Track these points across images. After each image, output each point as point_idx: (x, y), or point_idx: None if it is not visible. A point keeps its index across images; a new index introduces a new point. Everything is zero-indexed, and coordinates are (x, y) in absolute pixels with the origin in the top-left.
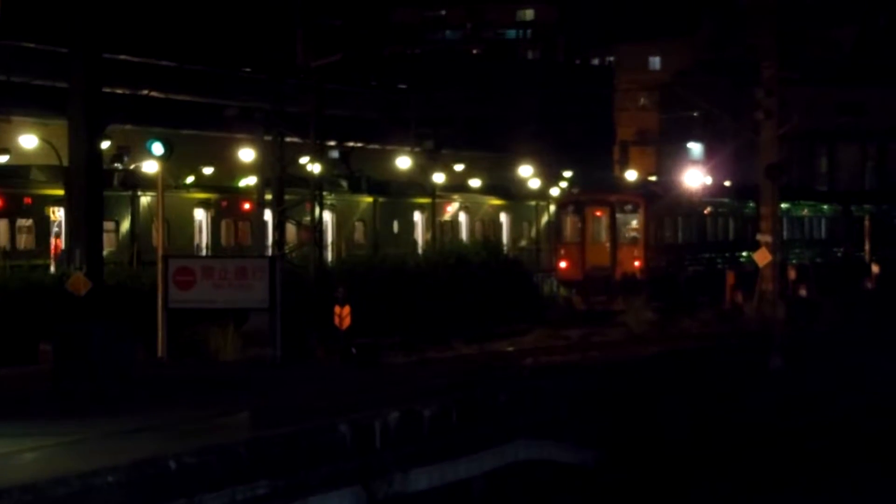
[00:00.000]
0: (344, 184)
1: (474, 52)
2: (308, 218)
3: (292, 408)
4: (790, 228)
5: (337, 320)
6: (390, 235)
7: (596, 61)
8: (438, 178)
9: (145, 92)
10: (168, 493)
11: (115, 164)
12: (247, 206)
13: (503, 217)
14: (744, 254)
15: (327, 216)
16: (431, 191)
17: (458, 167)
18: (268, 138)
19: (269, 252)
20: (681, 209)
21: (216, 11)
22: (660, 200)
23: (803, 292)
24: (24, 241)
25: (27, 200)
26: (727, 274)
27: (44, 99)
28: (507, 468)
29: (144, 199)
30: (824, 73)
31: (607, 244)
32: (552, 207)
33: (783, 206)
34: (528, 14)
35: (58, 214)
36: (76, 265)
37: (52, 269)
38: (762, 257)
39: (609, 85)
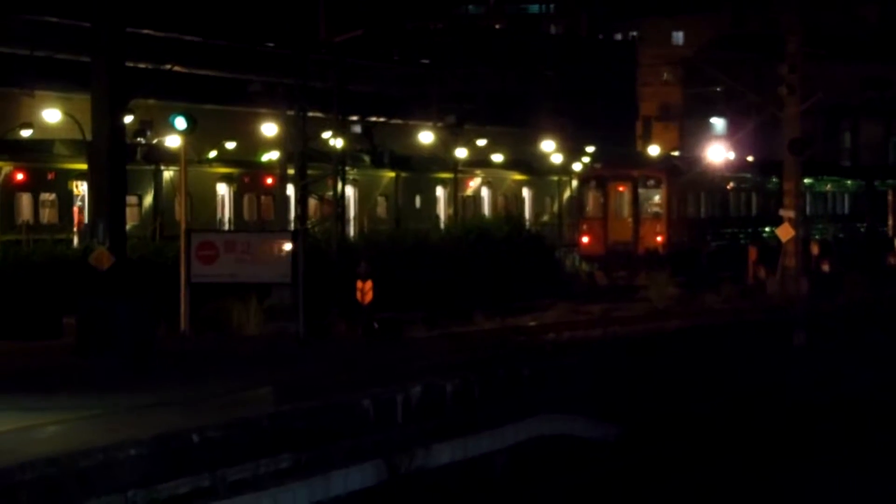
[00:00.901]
0: (366, 159)
1: (497, 26)
2: (330, 193)
3: (315, 382)
4: (813, 204)
5: (359, 295)
6: (412, 210)
7: (619, 36)
8: (461, 153)
9: (169, 67)
10: (191, 466)
11: (139, 139)
12: (269, 180)
13: (525, 192)
14: (766, 229)
15: (349, 191)
16: (454, 166)
17: (481, 142)
18: (290, 113)
19: (292, 227)
20: (703, 184)
21: None
22: (682, 175)
23: (826, 267)
24: (47, 215)
25: (50, 175)
26: (750, 249)
27: (67, 73)
28: (530, 443)
29: (167, 174)
30: (848, 48)
31: (629, 219)
32: (574, 182)
33: (806, 181)
34: None
35: (81, 189)
36: (99, 239)
37: (76, 243)
38: (785, 232)
39: (632, 60)
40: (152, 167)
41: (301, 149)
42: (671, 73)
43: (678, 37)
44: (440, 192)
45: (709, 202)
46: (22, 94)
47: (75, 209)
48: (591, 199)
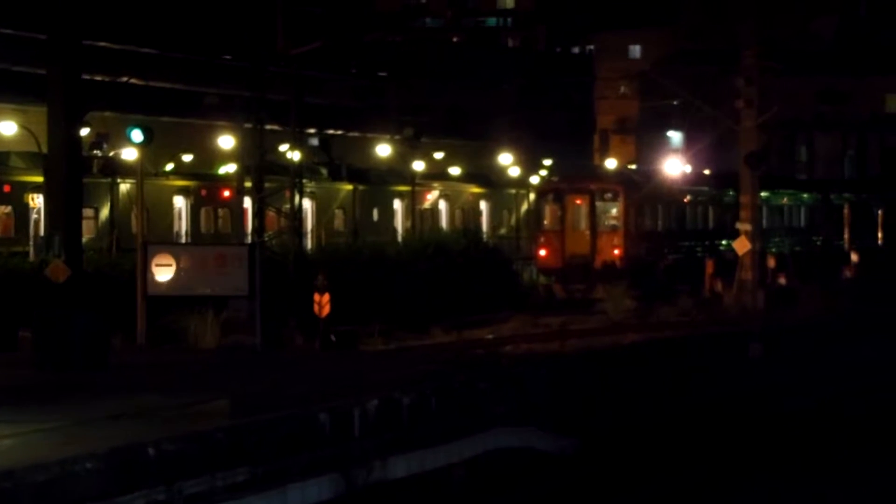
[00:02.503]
0: (324, 171)
1: (455, 39)
2: (287, 206)
3: (271, 395)
4: (770, 217)
5: (316, 308)
6: (370, 223)
7: (576, 50)
8: (418, 165)
9: (125, 79)
10: (147, 480)
11: (95, 151)
12: (226, 193)
13: (483, 205)
14: (723, 242)
15: (307, 204)
16: (411, 179)
17: (438, 155)
18: (247, 126)
19: (249, 239)
20: (660, 197)
21: None
22: (639, 188)
23: (783, 280)
24: (2, 227)
25: (6, 188)
26: (707, 262)
27: (23, 85)
28: (487, 455)
29: (124, 186)
30: (804, 62)
31: (587, 232)
32: (532, 195)
33: (763, 194)
34: (509, 2)
35: (37, 201)
36: (55, 252)
37: (32, 255)
38: (742, 245)
39: (589, 73)
40: (109, 180)
41: (258, 161)
42: (628, 86)
43: (635, 50)
44: (398, 204)
45: (666, 215)
46: None
47: (31, 222)
48: (549, 212)
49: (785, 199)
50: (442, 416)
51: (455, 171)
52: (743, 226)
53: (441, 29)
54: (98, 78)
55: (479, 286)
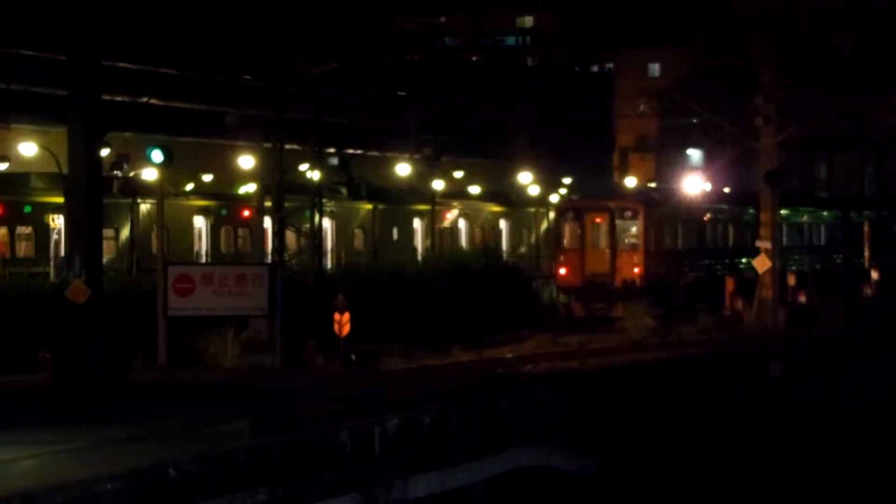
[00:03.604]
0: (343, 191)
1: (474, 58)
2: (307, 225)
3: (292, 415)
4: (790, 235)
5: (336, 327)
6: (390, 242)
7: (595, 68)
8: (438, 184)
9: (145, 99)
10: (167, 501)
11: (115, 172)
12: (246, 213)
13: (502, 224)
14: (743, 260)
15: (327, 223)
16: (431, 197)
17: (458, 174)
18: (267, 145)
19: (269, 259)
20: (680, 215)
21: (216, 19)
22: (659, 207)
23: (803, 299)
24: (23, 248)
25: (27, 208)
26: (727, 280)
27: (43, 106)
28: (507, 475)
29: (144, 207)
30: (824, 79)
31: (607, 250)
32: (551, 214)
33: (782, 212)
34: (528, 21)
35: (57, 222)
36: (76, 272)
37: (52, 276)
38: (762, 263)
39: (608, 91)
40: (129, 200)
41: (278, 181)
42: (648, 104)
43: (654, 68)
44: (417, 223)
45: (685, 233)
46: None
47: (52, 243)
48: (569, 231)
49: (805, 217)
50: (462, 435)
51: (475, 189)
52: (763, 244)
53: (460, 48)
54: (118, 98)
55: (499, 305)
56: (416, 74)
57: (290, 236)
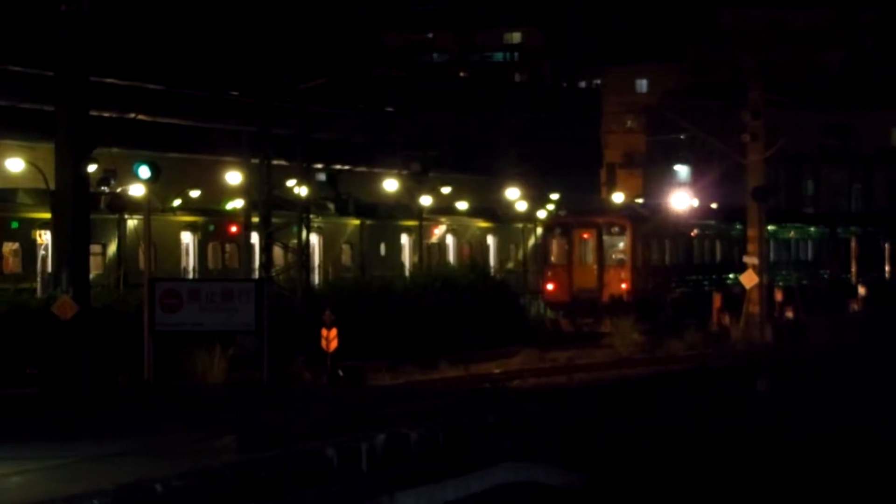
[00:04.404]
0: (331, 206)
1: (461, 74)
2: (295, 241)
3: (279, 430)
4: (777, 250)
5: (324, 343)
6: (377, 258)
7: (583, 84)
8: (425, 200)
9: (132, 115)
10: None
11: (102, 188)
12: (234, 228)
13: (490, 239)
14: (731, 276)
15: (314, 239)
16: (418, 213)
17: (445, 190)
18: (255, 161)
19: (256, 275)
20: (667, 231)
21: (204, 35)
22: (646, 223)
23: (790, 314)
24: (10, 264)
25: (14, 224)
26: (714, 296)
27: (30, 122)
28: (495, 490)
29: (131, 223)
30: (811, 96)
31: (594, 266)
32: (539, 230)
33: (770, 228)
34: (515, 37)
35: (44, 238)
36: (63, 288)
37: (39, 292)
38: (749, 279)
39: (596, 108)
40: (116, 216)
41: (265, 197)
42: (635, 120)
43: (642, 84)
44: (405, 239)
45: (673, 249)
46: None
47: (39, 258)
48: (556, 247)
49: (792, 233)
50: (450, 451)
51: (462, 205)
52: (750, 259)
53: (448, 64)
54: (105, 114)
55: (487, 320)
56: (404, 90)
57: (278, 252)
